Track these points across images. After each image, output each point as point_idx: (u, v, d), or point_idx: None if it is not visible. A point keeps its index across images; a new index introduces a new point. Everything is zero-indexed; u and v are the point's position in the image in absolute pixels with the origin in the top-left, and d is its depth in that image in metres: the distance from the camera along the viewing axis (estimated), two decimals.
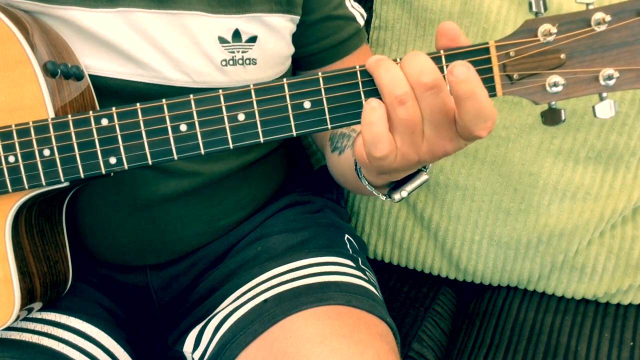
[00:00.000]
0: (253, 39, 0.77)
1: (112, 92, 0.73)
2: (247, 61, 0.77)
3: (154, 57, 0.73)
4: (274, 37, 0.79)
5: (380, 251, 1.11)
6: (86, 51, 0.72)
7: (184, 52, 0.74)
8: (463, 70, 0.52)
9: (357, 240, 0.94)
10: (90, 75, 0.72)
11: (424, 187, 1.03)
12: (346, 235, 0.91)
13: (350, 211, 1.12)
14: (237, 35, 0.76)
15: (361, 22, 0.90)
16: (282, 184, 0.95)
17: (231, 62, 0.76)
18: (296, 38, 0.84)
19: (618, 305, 1.01)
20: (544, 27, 0.54)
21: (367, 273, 0.86)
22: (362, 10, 0.92)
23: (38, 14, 0.71)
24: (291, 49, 0.83)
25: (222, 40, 0.75)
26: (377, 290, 0.83)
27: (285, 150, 0.96)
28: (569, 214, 0.96)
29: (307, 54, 0.87)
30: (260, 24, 0.77)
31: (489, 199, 0.99)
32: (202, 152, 0.62)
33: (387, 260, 1.11)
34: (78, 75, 0.70)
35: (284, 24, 0.80)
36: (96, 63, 0.73)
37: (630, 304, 1.00)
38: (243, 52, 0.77)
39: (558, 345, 0.94)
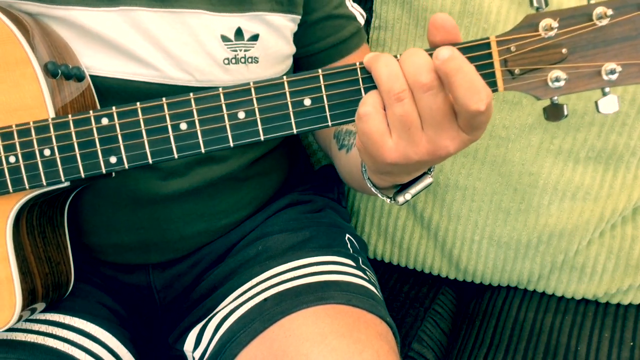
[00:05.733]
0: (255, 38, 0.77)
1: (113, 92, 0.73)
2: (250, 59, 0.77)
3: (155, 55, 0.73)
4: (275, 35, 0.79)
5: (380, 251, 1.11)
6: (87, 51, 0.72)
7: (186, 51, 0.74)
8: (446, 51, 0.53)
9: (357, 240, 0.94)
10: (91, 76, 0.72)
11: None
12: (347, 235, 0.91)
13: (350, 211, 1.12)
14: (239, 33, 0.76)
15: (361, 21, 0.91)
16: (283, 183, 0.95)
17: (234, 61, 0.76)
18: (298, 38, 0.84)
19: (618, 305, 1.01)
20: (545, 22, 0.54)
21: (368, 273, 0.86)
22: (362, 10, 0.92)
23: (39, 15, 0.71)
24: (292, 48, 0.83)
25: (224, 38, 0.75)
26: (377, 290, 0.83)
27: (286, 149, 0.96)
28: (569, 214, 0.96)
29: (309, 54, 0.87)
30: (261, 22, 0.77)
31: (489, 199, 0.99)
32: (203, 150, 0.62)
33: (387, 260, 1.11)
34: (79, 76, 0.69)
35: (285, 24, 0.80)
36: (97, 63, 0.72)
37: (630, 304, 1.00)
38: (245, 50, 0.77)
39: (558, 345, 0.94)
